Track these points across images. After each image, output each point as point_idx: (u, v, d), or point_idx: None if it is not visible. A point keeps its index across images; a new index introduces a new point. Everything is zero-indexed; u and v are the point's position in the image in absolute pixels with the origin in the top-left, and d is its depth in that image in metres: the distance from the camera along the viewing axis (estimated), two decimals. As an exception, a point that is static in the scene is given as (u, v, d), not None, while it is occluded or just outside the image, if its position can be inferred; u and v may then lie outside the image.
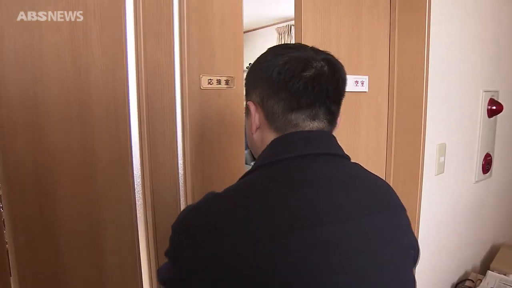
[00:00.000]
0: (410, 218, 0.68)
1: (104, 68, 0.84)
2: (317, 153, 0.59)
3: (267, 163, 0.60)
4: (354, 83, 1.53)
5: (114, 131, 0.86)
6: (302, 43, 0.88)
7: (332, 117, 0.65)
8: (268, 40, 5.93)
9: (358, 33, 1.50)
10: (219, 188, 0.61)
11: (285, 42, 5.46)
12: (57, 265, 0.80)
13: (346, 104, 1.51)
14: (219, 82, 1.00)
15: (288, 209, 0.52)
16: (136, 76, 0.88)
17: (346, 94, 0.69)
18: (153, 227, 0.95)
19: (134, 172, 0.90)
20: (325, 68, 0.63)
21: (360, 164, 0.68)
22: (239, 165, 1.11)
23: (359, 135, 1.59)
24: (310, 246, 0.50)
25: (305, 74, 0.61)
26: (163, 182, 0.96)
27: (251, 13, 5.27)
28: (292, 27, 5.34)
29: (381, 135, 1.68)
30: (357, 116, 1.57)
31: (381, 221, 0.58)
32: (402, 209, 0.66)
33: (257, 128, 0.66)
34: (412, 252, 0.64)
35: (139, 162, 0.91)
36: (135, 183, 0.90)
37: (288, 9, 4.90)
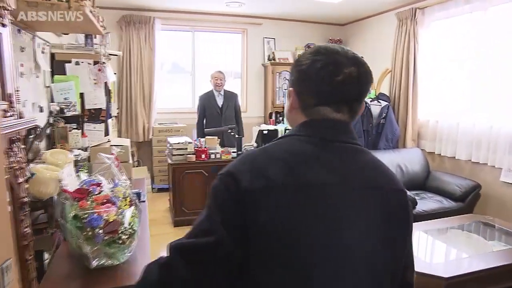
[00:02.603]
0: None
1: None
2: (327, 139, 0.85)
3: (294, 135, 0.87)
4: None
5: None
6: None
7: (353, 112, 0.89)
8: (386, 28, 5.07)
9: None
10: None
11: (403, 31, 4.52)
12: None
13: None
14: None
15: (290, 167, 0.80)
16: None
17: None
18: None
19: None
20: (354, 74, 0.84)
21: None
22: None
23: None
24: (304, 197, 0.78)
25: (336, 78, 0.83)
26: None
27: (365, -4, 4.49)
28: (417, 11, 4.40)
29: None
30: None
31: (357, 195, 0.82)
32: (387, 190, 0.87)
33: (293, 109, 0.91)
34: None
35: None
36: None
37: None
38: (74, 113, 3.39)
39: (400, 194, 0.88)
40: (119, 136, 5.18)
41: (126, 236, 1.41)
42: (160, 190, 5.24)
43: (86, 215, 1.27)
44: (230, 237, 0.75)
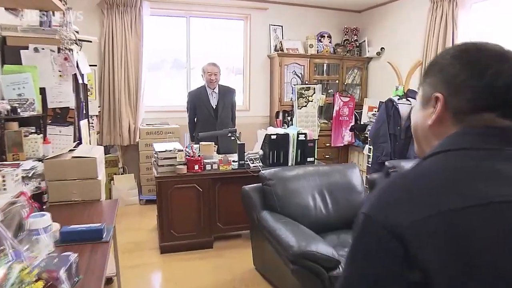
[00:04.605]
0: None
1: None
2: (496, 148, 0.64)
3: (446, 150, 0.66)
4: None
5: None
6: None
7: None
8: (415, 13, 4.40)
9: None
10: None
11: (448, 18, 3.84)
12: None
13: None
14: None
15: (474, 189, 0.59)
16: None
17: None
18: None
19: None
20: None
21: None
22: None
23: None
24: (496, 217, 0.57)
25: (500, 74, 0.64)
26: None
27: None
28: (457, -9, 3.71)
29: None
30: None
31: None
32: None
33: (439, 121, 0.70)
34: None
35: None
36: None
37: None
38: (32, 113, 2.72)
39: None
40: (101, 140, 4.50)
41: None
42: (149, 201, 4.56)
43: None
44: None
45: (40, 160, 2.61)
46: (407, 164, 3.35)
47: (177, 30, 4.96)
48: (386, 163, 3.40)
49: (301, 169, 2.88)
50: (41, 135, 2.82)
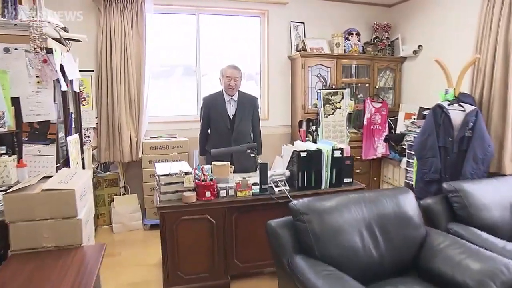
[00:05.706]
0: None
1: None
2: None
3: None
4: None
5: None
6: None
7: None
8: (463, 2, 3.75)
9: None
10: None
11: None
12: None
13: None
14: None
15: None
16: None
17: None
18: None
19: None
20: None
21: None
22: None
23: None
24: None
25: None
26: None
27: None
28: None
29: None
30: None
31: None
32: None
33: None
34: None
35: None
36: None
37: None
38: (1, 129, 2.19)
39: None
40: (99, 156, 3.96)
41: None
42: (154, 226, 3.98)
43: None
44: None
45: (10, 189, 2.06)
46: (470, 186, 2.70)
47: (184, 30, 4.42)
48: (444, 185, 2.75)
49: (341, 197, 2.26)
50: (14, 156, 2.28)
